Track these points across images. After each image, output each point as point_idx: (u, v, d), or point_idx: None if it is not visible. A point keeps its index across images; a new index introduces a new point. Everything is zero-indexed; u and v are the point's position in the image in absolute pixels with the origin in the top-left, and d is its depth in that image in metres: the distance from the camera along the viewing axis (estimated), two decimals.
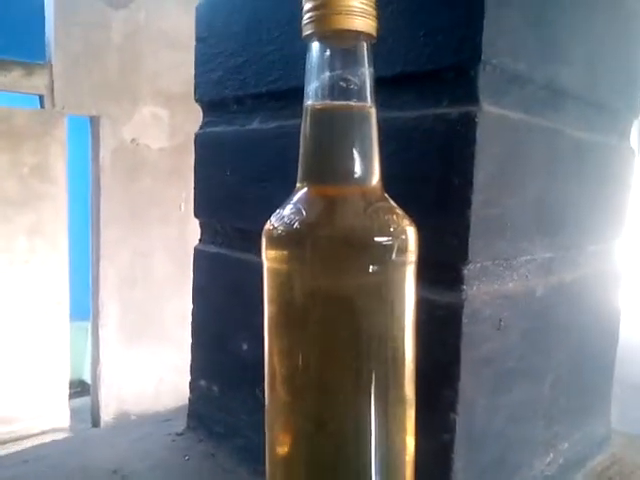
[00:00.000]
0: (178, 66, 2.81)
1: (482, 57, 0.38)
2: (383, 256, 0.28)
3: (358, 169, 0.29)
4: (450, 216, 0.39)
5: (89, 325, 2.88)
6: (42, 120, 2.52)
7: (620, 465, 0.58)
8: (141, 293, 2.87)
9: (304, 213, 0.28)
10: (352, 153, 0.29)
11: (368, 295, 0.29)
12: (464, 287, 0.39)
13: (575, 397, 0.53)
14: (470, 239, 0.38)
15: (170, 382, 2.94)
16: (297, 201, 0.30)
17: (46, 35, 2.59)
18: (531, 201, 0.44)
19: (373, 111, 0.30)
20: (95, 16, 2.61)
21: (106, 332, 2.78)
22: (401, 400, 0.32)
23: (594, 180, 0.52)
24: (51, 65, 2.54)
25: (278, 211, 0.31)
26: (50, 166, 2.55)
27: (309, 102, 0.30)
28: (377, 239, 0.28)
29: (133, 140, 2.81)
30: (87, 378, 3.07)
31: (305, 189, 0.30)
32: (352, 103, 0.29)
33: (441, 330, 0.39)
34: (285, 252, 0.29)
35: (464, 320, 0.39)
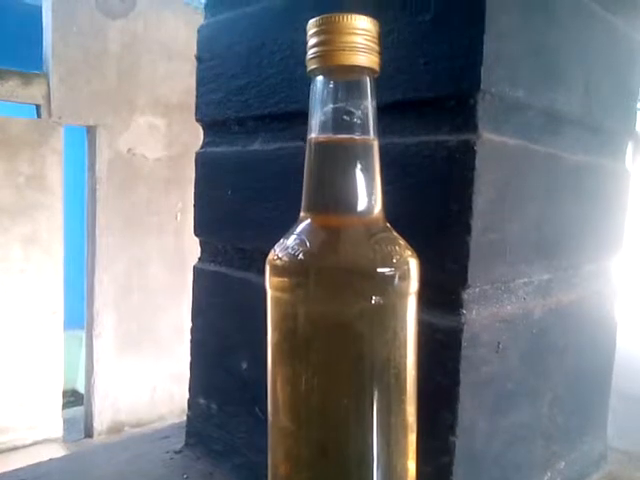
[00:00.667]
0: (175, 76, 2.83)
1: (482, 86, 0.38)
2: (385, 287, 0.29)
3: (361, 200, 0.30)
4: (450, 241, 0.39)
5: (83, 334, 2.87)
6: (39, 130, 2.52)
7: None
8: (136, 302, 2.86)
9: (308, 244, 0.29)
10: (355, 185, 0.30)
11: (370, 325, 0.29)
12: (464, 311, 0.40)
13: (572, 416, 0.54)
14: (470, 264, 0.39)
15: (165, 391, 2.93)
16: (301, 232, 0.30)
17: (44, 45, 2.60)
18: (530, 225, 0.44)
19: (376, 144, 0.31)
20: (93, 26, 2.62)
21: (100, 341, 2.77)
22: (403, 425, 0.33)
23: (590, 201, 0.53)
24: (48, 75, 2.55)
25: (282, 241, 0.31)
26: (46, 176, 2.55)
27: (313, 135, 0.31)
28: (380, 270, 0.29)
29: (129, 150, 2.81)
30: (81, 388, 3.05)
31: (309, 220, 0.30)
32: (355, 137, 0.30)
33: (441, 353, 0.40)
34: (289, 282, 0.30)
35: (464, 344, 0.39)
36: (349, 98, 0.30)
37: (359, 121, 0.30)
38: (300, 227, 0.30)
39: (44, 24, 2.57)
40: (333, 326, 0.29)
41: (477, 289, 0.41)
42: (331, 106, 0.30)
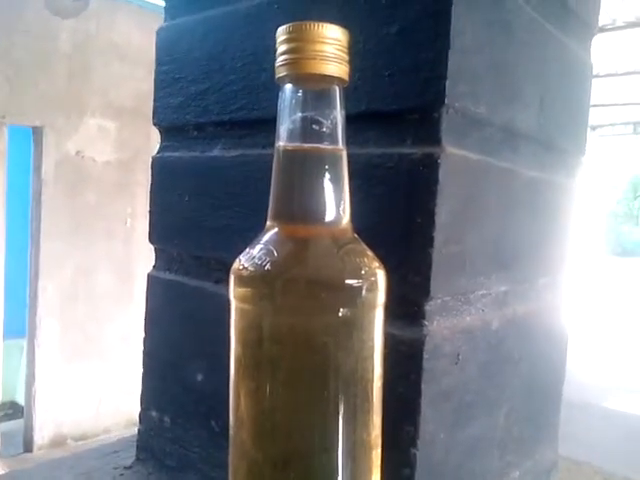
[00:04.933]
0: (128, 79, 2.76)
1: (446, 100, 0.39)
2: (353, 299, 0.28)
3: (329, 210, 0.29)
4: (413, 253, 0.39)
5: (24, 343, 2.75)
6: None
7: None
8: (82, 311, 2.77)
9: (275, 254, 0.28)
10: (323, 195, 0.29)
11: (337, 337, 0.29)
12: (425, 322, 0.40)
13: (526, 426, 0.55)
14: (432, 276, 0.39)
15: (110, 403, 2.83)
16: (268, 241, 0.29)
17: None
18: (488, 238, 0.45)
19: (344, 154, 0.30)
20: (41, 25, 2.54)
21: (43, 351, 2.66)
22: (368, 439, 0.32)
23: (544, 216, 0.54)
24: None
25: (248, 250, 0.30)
26: None
27: (281, 143, 0.30)
28: (348, 282, 0.28)
29: (78, 152, 2.73)
30: (20, 399, 2.91)
31: (275, 229, 0.30)
32: (323, 146, 0.29)
33: (403, 365, 0.40)
34: (255, 292, 0.29)
35: (425, 355, 0.39)
36: (318, 107, 0.29)
37: (328, 130, 0.29)
38: (267, 236, 0.30)
39: None
40: (299, 338, 0.28)
41: (439, 300, 0.41)
42: (300, 115, 0.29)
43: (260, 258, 0.28)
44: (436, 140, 0.39)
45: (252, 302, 0.29)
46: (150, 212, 0.60)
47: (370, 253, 0.31)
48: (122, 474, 0.58)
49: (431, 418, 0.40)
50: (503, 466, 0.51)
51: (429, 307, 0.40)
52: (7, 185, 2.53)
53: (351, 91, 0.42)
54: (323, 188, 0.29)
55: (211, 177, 0.53)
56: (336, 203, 0.30)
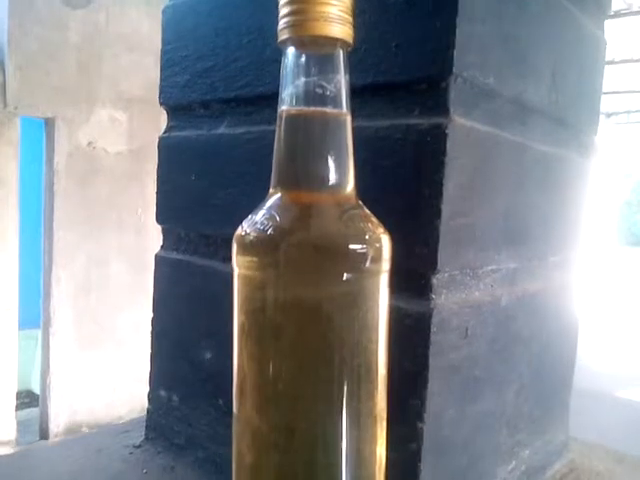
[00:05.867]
0: (138, 69, 2.76)
1: (454, 70, 0.38)
2: (357, 264, 0.28)
3: (333, 176, 0.29)
4: (420, 226, 0.39)
5: (39, 333, 2.78)
6: None
7: (578, 472, 0.59)
8: (95, 300, 2.79)
9: (278, 219, 0.28)
10: (327, 160, 0.29)
11: (341, 303, 0.28)
12: (433, 296, 0.40)
13: (537, 406, 0.54)
14: (439, 248, 0.39)
15: (124, 392, 2.86)
16: (270, 207, 0.29)
17: None
18: (498, 212, 0.44)
19: (349, 118, 0.30)
20: (52, 15, 2.54)
21: (57, 340, 2.69)
22: (372, 410, 0.32)
23: (556, 193, 0.53)
24: (4, 63, 2.46)
25: (250, 217, 0.30)
26: (1, 168, 2.46)
27: (284, 107, 0.29)
28: (352, 246, 0.28)
29: (90, 143, 2.74)
30: (36, 388, 2.95)
31: (279, 195, 0.29)
32: (328, 110, 0.29)
33: (409, 338, 0.39)
34: (257, 258, 0.29)
35: (432, 329, 0.39)
36: (322, 71, 0.29)
37: (332, 94, 0.29)
38: (269, 202, 0.29)
39: (0, 11, 2.47)
40: (303, 305, 0.28)
41: (446, 274, 0.40)
42: (303, 79, 0.29)
43: (263, 223, 0.28)
44: (444, 110, 0.39)
45: (255, 268, 0.29)
46: (157, 192, 0.60)
47: (375, 219, 0.30)
48: (131, 452, 0.58)
49: (438, 392, 0.40)
50: (513, 445, 0.51)
51: (436, 280, 0.40)
52: (20, 176, 2.55)
53: (357, 63, 0.42)
54: (327, 153, 0.29)
55: (217, 155, 0.53)
56: (340, 169, 0.29)
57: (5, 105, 2.46)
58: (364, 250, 0.28)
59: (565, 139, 0.54)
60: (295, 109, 0.29)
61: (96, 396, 2.81)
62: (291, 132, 0.29)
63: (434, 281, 0.40)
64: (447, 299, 0.41)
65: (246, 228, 0.29)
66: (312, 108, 0.29)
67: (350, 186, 0.30)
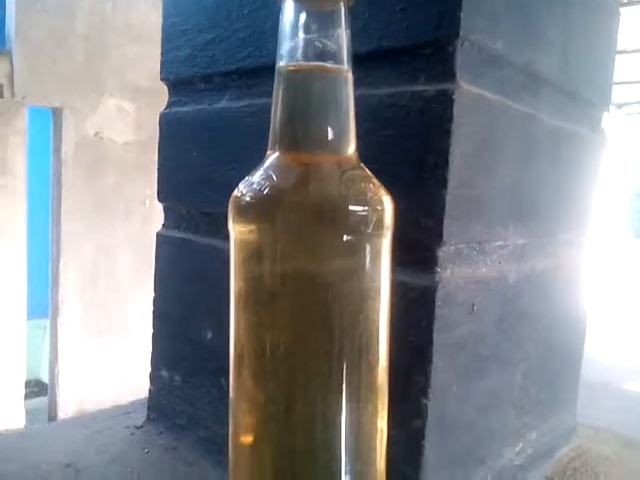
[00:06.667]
0: (145, 60, 2.75)
1: (461, 33, 0.37)
2: (358, 226, 0.27)
3: (333, 135, 0.28)
4: (425, 196, 0.38)
5: (47, 323, 2.79)
6: (1, 110, 2.42)
7: (586, 456, 0.58)
8: (103, 290, 2.80)
9: (275, 179, 0.27)
10: (327, 118, 0.28)
11: (341, 269, 0.27)
12: (438, 269, 0.38)
13: (544, 388, 0.53)
14: (445, 220, 0.37)
15: (132, 381, 2.86)
16: (268, 167, 0.28)
17: (6, 22, 2.50)
18: (507, 185, 0.43)
19: (350, 76, 0.29)
20: (59, 5, 2.53)
21: (65, 330, 2.70)
22: (373, 383, 0.31)
23: (567, 169, 0.52)
24: (11, 53, 2.46)
25: (247, 178, 0.29)
26: (9, 158, 2.46)
27: (282, 63, 0.28)
28: (352, 208, 0.27)
29: (97, 134, 2.74)
30: (45, 378, 2.97)
31: (276, 154, 0.28)
32: (328, 65, 0.28)
33: (413, 313, 0.38)
34: (254, 220, 0.28)
35: (438, 303, 0.38)
36: (322, 26, 0.28)
37: (333, 50, 0.28)
38: (267, 163, 0.28)
39: (7, 0, 2.47)
40: (301, 270, 0.27)
41: (452, 247, 0.39)
42: (302, 35, 0.28)
43: (259, 184, 0.27)
44: (451, 76, 0.37)
45: (251, 231, 0.28)
46: (158, 170, 0.59)
47: (376, 181, 0.29)
48: (133, 433, 0.58)
49: (443, 368, 0.38)
50: (520, 427, 0.50)
51: (442, 253, 0.38)
52: (28, 166, 2.55)
53: (361, 29, 0.40)
54: (327, 111, 0.28)
55: (219, 129, 0.51)
56: (341, 128, 0.28)
57: (13, 95, 2.46)
58: (365, 212, 0.27)
59: (576, 114, 0.53)
60: (294, 65, 0.28)
61: (104, 385, 2.83)
62: (289, 89, 0.28)
63: (440, 254, 0.38)
64: (453, 273, 0.39)
65: (242, 189, 0.28)
66: (312, 63, 0.27)
67: (351, 148, 0.29)
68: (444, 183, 0.37)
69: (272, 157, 0.28)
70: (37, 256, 2.70)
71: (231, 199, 0.29)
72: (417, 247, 0.38)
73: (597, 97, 0.56)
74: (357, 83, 0.40)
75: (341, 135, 0.28)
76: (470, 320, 0.41)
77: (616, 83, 0.60)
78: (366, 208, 0.27)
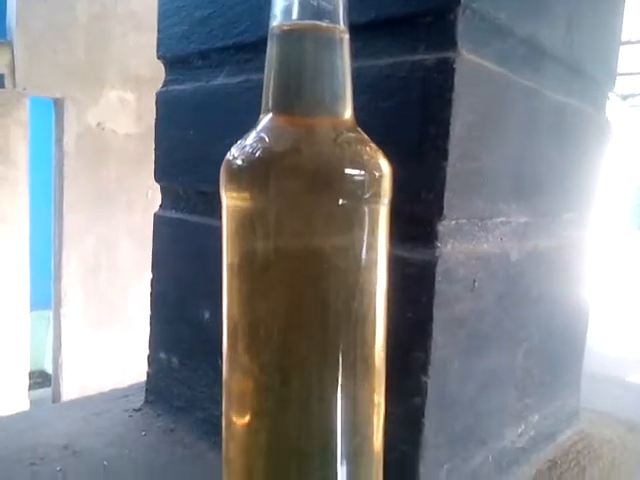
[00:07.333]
0: (146, 49, 2.73)
1: (462, 0, 0.36)
2: (354, 190, 0.26)
3: (328, 97, 0.27)
4: (426, 168, 0.37)
5: (50, 314, 2.79)
6: (2, 100, 2.42)
7: (589, 440, 0.57)
8: (105, 281, 2.80)
9: (267, 141, 0.26)
10: (322, 79, 0.27)
11: (336, 237, 0.26)
12: (438, 244, 0.37)
13: (547, 370, 0.52)
14: (446, 193, 0.36)
15: (135, 372, 2.87)
16: (260, 130, 0.27)
17: (7, 12, 2.49)
18: (509, 159, 0.42)
19: (346, 37, 0.28)
20: None
21: (68, 321, 2.70)
22: (371, 357, 0.30)
23: (572, 147, 0.51)
24: (12, 43, 2.45)
25: (240, 141, 0.28)
26: (10, 148, 2.46)
27: (275, 23, 0.27)
28: (348, 171, 0.26)
29: (99, 124, 2.73)
30: (48, 368, 2.98)
31: (269, 116, 0.27)
32: (323, 24, 0.27)
33: (413, 289, 0.37)
34: (246, 184, 0.27)
35: (437, 278, 0.37)
36: None
37: (328, 9, 0.27)
38: (260, 125, 0.27)
39: None
40: (295, 236, 0.26)
41: (453, 222, 0.38)
42: None
43: (252, 146, 0.26)
44: (452, 45, 0.36)
45: (243, 196, 0.27)
46: (155, 150, 0.58)
47: (373, 145, 0.28)
48: (131, 416, 0.57)
49: (443, 345, 0.38)
50: (522, 408, 0.49)
51: (442, 227, 0.38)
52: (30, 157, 2.55)
53: (358, 0, 0.39)
54: (321, 72, 0.27)
55: (216, 106, 0.51)
56: (337, 90, 0.27)
57: (14, 85, 2.45)
58: (361, 176, 0.26)
59: (581, 90, 0.52)
60: (287, 24, 0.27)
61: (107, 375, 2.83)
62: (283, 49, 0.27)
63: (440, 228, 0.37)
64: (454, 248, 0.39)
65: (234, 152, 0.27)
66: (306, 22, 0.27)
67: (348, 111, 0.28)
68: (445, 155, 0.36)
69: (265, 120, 0.27)
70: (40, 248, 2.70)
71: (223, 164, 0.28)
72: (417, 221, 0.38)
73: (602, 74, 0.55)
74: (356, 54, 0.39)
75: (336, 97, 0.27)
76: (471, 297, 0.40)
77: (621, 74, 0.59)
78: (362, 172, 0.26)
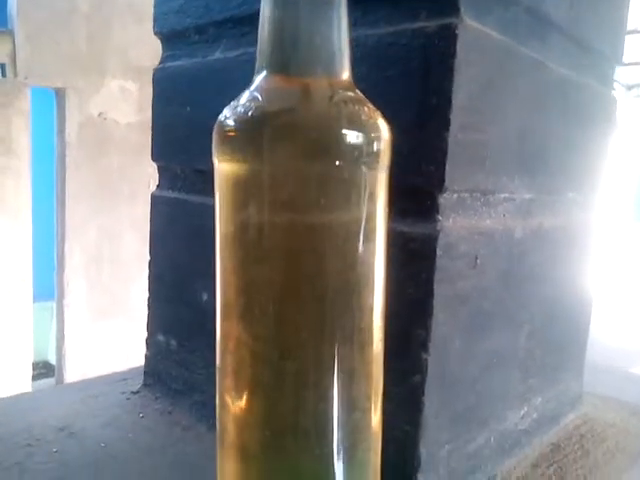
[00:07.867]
0: (147, 39, 2.71)
1: None
2: (351, 152, 0.25)
3: (325, 56, 0.26)
4: (427, 139, 0.36)
5: (53, 305, 2.80)
6: (4, 90, 2.41)
7: (592, 423, 0.56)
8: (108, 272, 2.79)
9: (261, 100, 0.25)
10: (318, 37, 0.25)
11: (333, 201, 0.25)
12: (439, 217, 0.36)
13: (550, 352, 0.51)
14: (447, 165, 0.35)
15: (138, 362, 2.88)
16: (254, 89, 0.26)
17: (8, 1, 2.47)
18: (513, 132, 0.41)
19: None
20: None
21: (71, 312, 2.70)
22: (369, 331, 0.29)
23: (577, 123, 0.49)
24: (13, 33, 2.43)
25: (232, 102, 0.27)
26: (13, 138, 2.45)
27: None
28: (344, 131, 0.25)
29: (100, 114, 2.72)
30: (52, 359, 2.99)
31: (263, 75, 0.26)
32: None
33: (414, 264, 0.36)
34: (239, 145, 0.26)
35: (439, 253, 0.36)
36: None
37: None
38: (253, 85, 0.26)
39: None
40: (289, 199, 0.25)
41: (455, 195, 0.37)
42: None
43: (244, 106, 0.25)
44: (454, 11, 0.35)
45: (236, 159, 0.26)
46: (152, 128, 0.57)
47: (371, 105, 0.27)
48: (128, 398, 0.57)
49: (444, 322, 0.37)
50: (525, 390, 0.48)
51: (443, 200, 0.36)
52: (32, 148, 2.54)
53: None
54: (317, 29, 0.25)
55: (213, 81, 0.49)
56: (333, 48, 0.26)
57: (16, 74, 2.44)
58: (359, 136, 0.25)
59: (587, 65, 0.50)
60: None
61: (110, 366, 2.84)
62: (277, 4, 0.26)
63: (441, 201, 0.36)
64: (455, 223, 0.37)
65: (227, 113, 0.26)
66: None
67: (345, 72, 0.27)
68: (446, 125, 0.35)
69: (259, 79, 0.26)
70: (42, 239, 2.70)
71: (215, 125, 0.27)
72: (417, 194, 0.37)
73: (609, 49, 0.53)
74: (355, 23, 0.38)
75: (333, 56, 0.26)
76: (473, 273, 0.39)
77: (626, 64, 0.58)
78: (359, 133, 0.25)
